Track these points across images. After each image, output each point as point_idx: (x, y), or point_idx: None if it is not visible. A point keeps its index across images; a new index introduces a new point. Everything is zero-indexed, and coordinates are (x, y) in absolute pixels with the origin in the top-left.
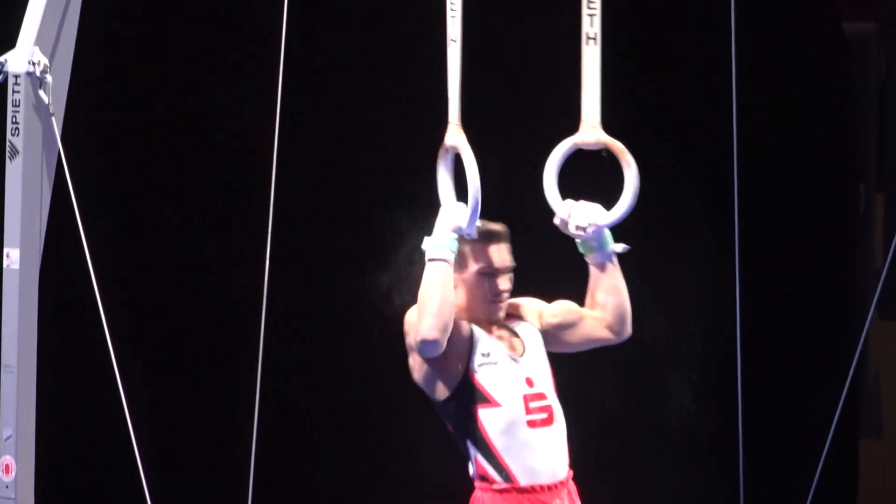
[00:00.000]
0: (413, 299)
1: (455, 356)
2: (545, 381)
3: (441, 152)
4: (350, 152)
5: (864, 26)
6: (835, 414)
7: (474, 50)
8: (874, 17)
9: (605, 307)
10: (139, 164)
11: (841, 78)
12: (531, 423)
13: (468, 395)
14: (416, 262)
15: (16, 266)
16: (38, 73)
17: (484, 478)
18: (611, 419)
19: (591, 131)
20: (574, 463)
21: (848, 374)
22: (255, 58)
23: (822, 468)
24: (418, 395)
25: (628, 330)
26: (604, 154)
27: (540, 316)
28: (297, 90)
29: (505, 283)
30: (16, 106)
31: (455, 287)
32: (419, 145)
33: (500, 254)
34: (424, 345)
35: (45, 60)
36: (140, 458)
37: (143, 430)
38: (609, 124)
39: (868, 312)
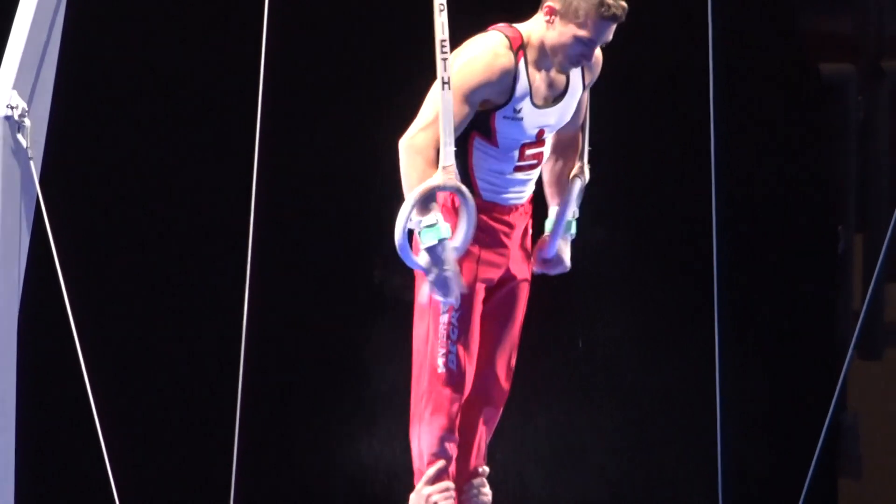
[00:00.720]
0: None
1: (490, 105)
2: (555, 129)
3: (427, 191)
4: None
5: (842, 68)
6: (814, 454)
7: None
8: (852, 59)
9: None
10: (118, 187)
11: (819, 119)
12: (518, 168)
13: (475, 122)
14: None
15: None
16: (16, 118)
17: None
18: None
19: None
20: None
21: (827, 415)
22: (238, 60)
23: None
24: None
25: None
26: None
27: (592, 81)
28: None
29: (592, 54)
30: None
31: (550, 25)
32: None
33: (609, 31)
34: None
35: (23, 104)
36: (111, 459)
37: (123, 432)
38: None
39: (847, 353)
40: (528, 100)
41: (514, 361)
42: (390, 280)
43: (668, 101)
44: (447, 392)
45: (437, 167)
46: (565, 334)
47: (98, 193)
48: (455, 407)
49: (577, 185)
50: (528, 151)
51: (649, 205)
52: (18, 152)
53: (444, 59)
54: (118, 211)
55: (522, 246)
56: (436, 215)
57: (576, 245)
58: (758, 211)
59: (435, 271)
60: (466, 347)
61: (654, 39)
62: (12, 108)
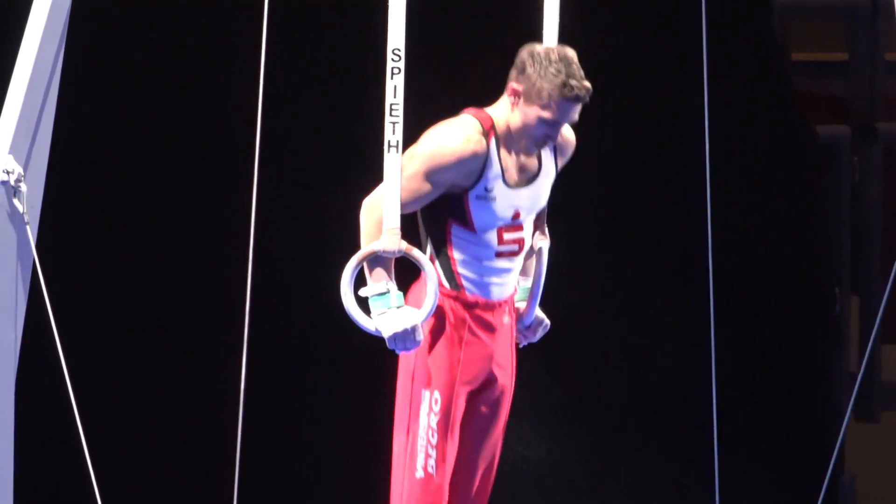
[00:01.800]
0: None
1: (454, 188)
2: (533, 212)
3: (367, 255)
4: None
5: (836, 130)
6: None
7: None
8: (846, 121)
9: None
10: (116, 182)
11: (814, 181)
12: (498, 255)
13: (449, 208)
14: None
15: None
16: (12, 182)
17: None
18: None
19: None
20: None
21: (825, 478)
22: (236, 64)
23: None
24: None
25: None
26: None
27: (565, 159)
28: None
29: (558, 134)
30: None
31: (514, 106)
32: None
33: (574, 112)
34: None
35: (19, 169)
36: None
37: (121, 440)
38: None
39: (844, 415)
40: (500, 181)
41: (495, 465)
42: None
43: (662, 158)
44: (425, 498)
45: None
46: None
47: (96, 256)
48: None
49: (545, 250)
50: (507, 235)
51: (641, 273)
52: (14, 217)
53: (394, 124)
54: (117, 274)
55: (507, 346)
56: (386, 284)
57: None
58: (753, 272)
59: (389, 336)
60: (444, 453)
61: (649, 97)
62: (8, 172)
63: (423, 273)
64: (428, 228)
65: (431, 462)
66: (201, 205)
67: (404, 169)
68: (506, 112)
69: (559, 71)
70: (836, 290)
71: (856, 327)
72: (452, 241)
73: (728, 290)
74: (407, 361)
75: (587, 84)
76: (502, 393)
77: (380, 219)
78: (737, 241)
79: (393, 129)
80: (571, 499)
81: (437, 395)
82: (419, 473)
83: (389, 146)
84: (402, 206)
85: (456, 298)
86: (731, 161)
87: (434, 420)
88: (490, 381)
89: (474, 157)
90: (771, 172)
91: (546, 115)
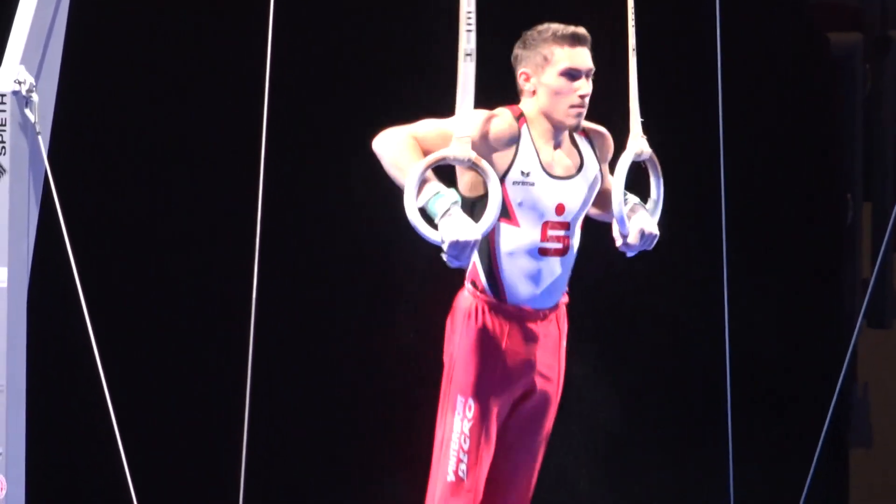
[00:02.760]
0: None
1: (493, 162)
2: (577, 210)
3: (437, 161)
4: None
5: (849, 38)
6: (824, 424)
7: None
8: (859, 28)
9: (599, 208)
10: (124, 172)
11: (827, 90)
12: (542, 251)
13: None
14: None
15: (4, 285)
16: (24, 92)
17: (474, 283)
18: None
19: (642, 142)
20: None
21: (837, 385)
22: (243, 62)
23: (813, 478)
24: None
25: None
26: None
27: (605, 159)
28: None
29: (586, 87)
30: (2, 125)
31: (534, 92)
32: None
33: (583, 56)
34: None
35: (30, 79)
36: (129, 466)
37: (131, 437)
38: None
39: (857, 322)
40: (538, 166)
41: (534, 476)
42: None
43: (675, 70)
44: (456, 501)
45: (421, 155)
46: None
47: (106, 170)
48: None
49: (626, 161)
50: (551, 232)
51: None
52: (26, 127)
53: (468, 32)
54: (127, 188)
55: (553, 356)
56: (436, 185)
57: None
58: (766, 180)
59: (451, 242)
60: (477, 458)
61: (661, 13)
62: (20, 83)
63: (486, 196)
64: None
65: (463, 467)
66: (211, 201)
67: (441, 122)
68: (530, 101)
69: (546, 29)
70: (849, 198)
71: (868, 235)
72: (496, 239)
73: (741, 200)
74: (448, 365)
75: (580, 27)
76: (545, 402)
77: (411, 143)
78: (749, 150)
79: (468, 38)
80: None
81: (471, 402)
82: (450, 477)
83: (465, 55)
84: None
85: (498, 309)
86: (743, 71)
87: (467, 426)
88: (531, 390)
89: (509, 127)
90: (783, 81)
91: (560, 66)
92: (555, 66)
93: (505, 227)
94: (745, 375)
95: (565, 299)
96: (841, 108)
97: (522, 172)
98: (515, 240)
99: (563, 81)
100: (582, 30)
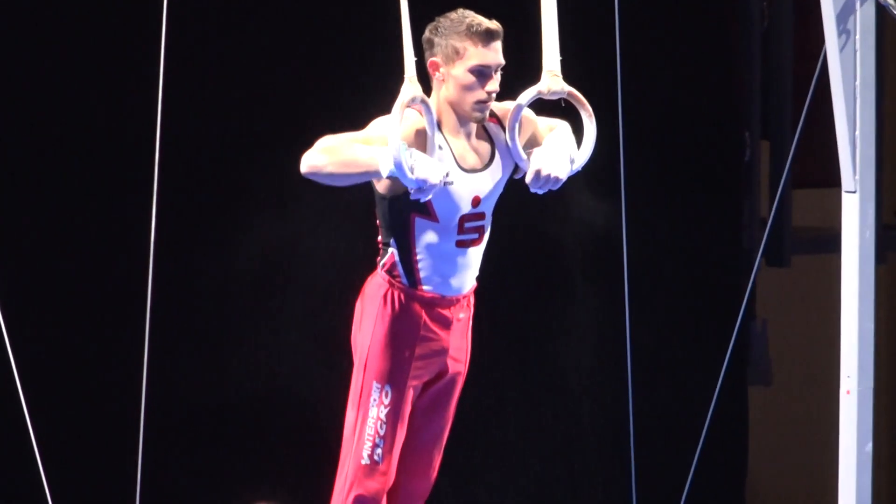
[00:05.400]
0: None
1: None
2: (491, 199)
3: (402, 102)
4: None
5: None
6: (724, 362)
7: (428, 2)
8: None
9: None
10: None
11: (724, 29)
12: (459, 243)
13: (410, 202)
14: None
15: None
16: None
17: (390, 272)
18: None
19: (554, 80)
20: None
21: (736, 323)
22: (137, 48)
23: (712, 416)
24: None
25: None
26: (563, 104)
27: (534, 136)
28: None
29: (494, 83)
30: None
31: (442, 81)
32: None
33: (495, 53)
34: (301, 165)
35: None
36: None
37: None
38: None
39: (755, 260)
40: (452, 163)
41: (440, 455)
42: None
43: (573, 9)
44: (369, 483)
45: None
46: None
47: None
48: (376, 499)
49: (525, 96)
50: (468, 224)
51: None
52: None
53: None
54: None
55: (462, 339)
56: (393, 139)
57: None
58: (663, 119)
59: (435, 182)
60: (393, 442)
61: None
62: None
63: (404, 195)
64: (390, 225)
65: (378, 451)
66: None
67: (352, 140)
68: (438, 93)
69: (461, 20)
70: (747, 136)
71: (766, 173)
72: (415, 234)
73: (639, 138)
74: (361, 350)
75: (494, 22)
76: (453, 383)
77: (349, 137)
78: (646, 88)
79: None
80: None
81: (388, 388)
82: (364, 460)
83: None
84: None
85: (413, 296)
86: (640, 8)
87: (384, 412)
88: (443, 372)
89: (417, 130)
90: (680, 18)
91: (470, 63)
92: (465, 61)
93: (422, 221)
94: (645, 314)
95: (475, 284)
96: (738, 46)
97: None
98: (433, 234)
99: (472, 78)
100: (495, 24)
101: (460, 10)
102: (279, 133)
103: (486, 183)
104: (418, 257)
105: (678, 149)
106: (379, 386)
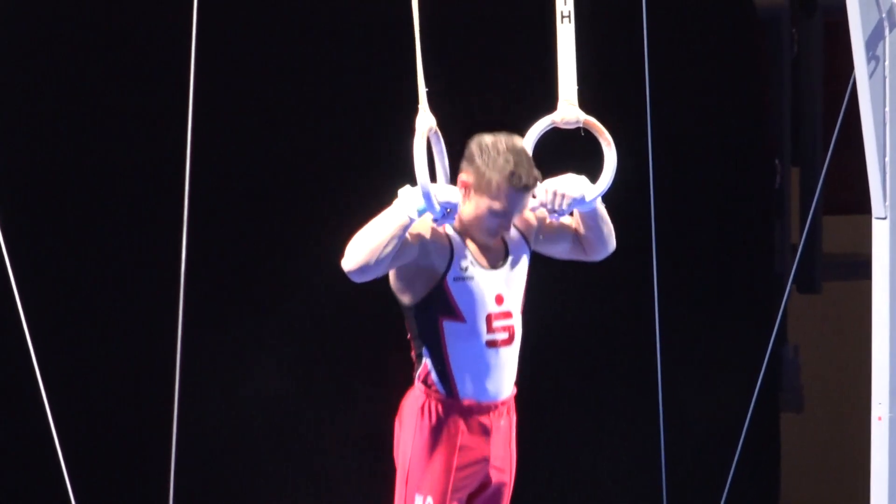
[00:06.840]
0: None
1: (431, 270)
2: (515, 298)
3: (421, 133)
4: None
5: (775, 3)
6: (755, 388)
7: (444, 28)
8: None
9: (587, 241)
10: (50, 169)
11: (754, 55)
12: (490, 343)
13: (436, 305)
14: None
15: None
16: None
17: (426, 382)
18: None
19: (569, 109)
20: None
21: (767, 349)
22: (168, 54)
23: (744, 442)
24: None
25: (607, 253)
26: (582, 133)
27: (535, 222)
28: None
29: (510, 226)
30: None
31: (465, 197)
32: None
33: (524, 204)
34: (348, 273)
35: None
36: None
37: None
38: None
39: (786, 287)
40: (472, 261)
41: None
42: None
43: (601, 35)
44: None
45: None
46: None
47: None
48: None
49: (540, 125)
50: (496, 323)
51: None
52: None
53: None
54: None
55: (505, 448)
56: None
57: None
58: (693, 145)
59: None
60: None
61: None
62: None
63: (429, 296)
64: (421, 332)
65: None
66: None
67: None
68: (467, 212)
69: (507, 161)
70: (777, 163)
71: (797, 199)
72: (446, 338)
73: (669, 166)
74: (402, 463)
75: (536, 173)
76: (499, 491)
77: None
78: (676, 116)
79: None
80: None
81: (430, 500)
82: None
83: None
84: (397, 289)
85: (449, 405)
86: (670, 35)
87: None
88: (486, 483)
89: (438, 233)
90: (710, 45)
91: (496, 205)
92: (494, 200)
93: (451, 324)
94: (676, 341)
95: (514, 391)
96: (768, 73)
97: (461, 268)
98: (463, 336)
99: (492, 216)
100: (534, 179)
101: (511, 143)
102: (311, 146)
103: (505, 278)
104: (451, 362)
105: (709, 175)
106: (421, 497)
